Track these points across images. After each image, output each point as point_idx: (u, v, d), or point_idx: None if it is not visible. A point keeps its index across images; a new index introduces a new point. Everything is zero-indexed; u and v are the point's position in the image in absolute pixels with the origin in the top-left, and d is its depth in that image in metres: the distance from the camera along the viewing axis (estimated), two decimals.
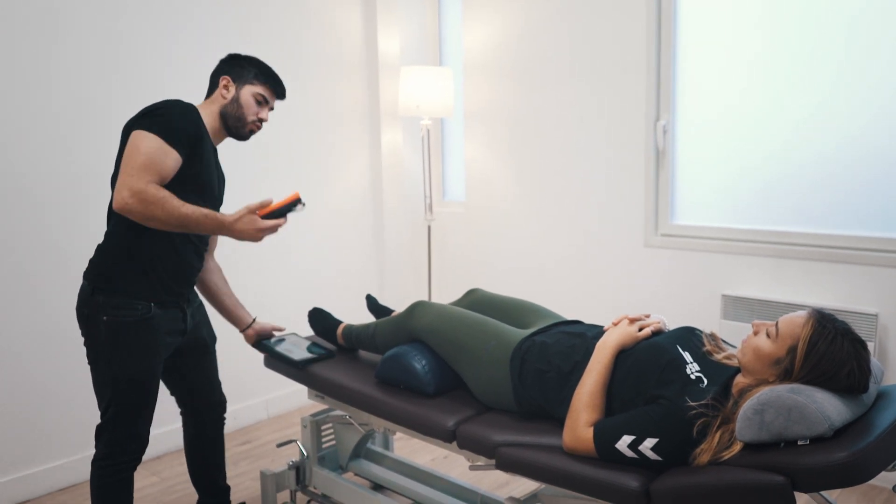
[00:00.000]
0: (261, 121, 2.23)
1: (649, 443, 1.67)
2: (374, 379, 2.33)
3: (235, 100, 2.18)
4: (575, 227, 3.47)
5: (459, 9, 3.84)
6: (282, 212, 2.00)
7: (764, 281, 2.93)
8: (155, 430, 3.11)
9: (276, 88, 2.25)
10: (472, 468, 2.03)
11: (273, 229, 1.99)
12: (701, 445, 1.63)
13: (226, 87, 2.19)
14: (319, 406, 3.02)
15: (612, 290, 3.37)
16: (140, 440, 2.13)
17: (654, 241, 3.22)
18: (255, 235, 1.98)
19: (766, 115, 2.90)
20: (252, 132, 2.24)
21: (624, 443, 1.70)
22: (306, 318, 2.71)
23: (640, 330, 1.94)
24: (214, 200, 2.20)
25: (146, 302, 2.05)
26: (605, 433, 1.74)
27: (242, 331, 2.52)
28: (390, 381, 2.27)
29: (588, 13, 3.30)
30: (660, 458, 1.67)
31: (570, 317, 2.34)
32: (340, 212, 3.88)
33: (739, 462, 1.56)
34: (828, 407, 1.50)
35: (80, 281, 2.90)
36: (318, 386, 2.45)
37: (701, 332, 1.93)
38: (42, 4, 2.75)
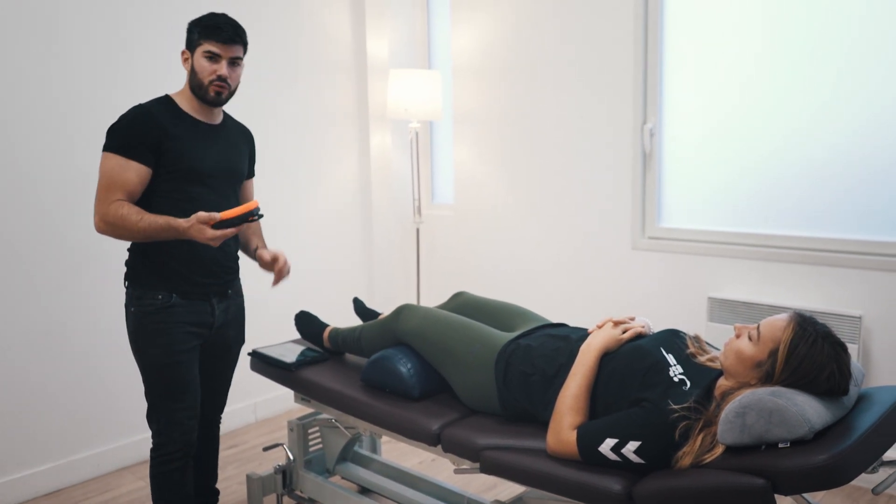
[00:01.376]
0: (221, 78, 2.11)
1: (632, 446, 1.67)
2: (359, 382, 2.33)
3: (192, 68, 2.13)
4: (562, 229, 3.48)
5: (448, 12, 3.84)
6: (235, 221, 1.98)
7: (750, 283, 2.94)
8: (141, 434, 3.13)
9: (219, 36, 2.09)
10: (457, 472, 2.03)
11: (223, 237, 1.99)
12: (683, 448, 1.64)
13: (186, 60, 2.15)
14: (306, 409, 3.01)
15: (599, 293, 3.37)
16: (182, 429, 2.18)
17: (642, 243, 3.23)
18: (208, 242, 2.00)
19: (753, 120, 2.91)
20: (219, 94, 2.14)
21: (607, 446, 1.70)
22: (293, 321, 2.71)
23: (624, 333, 1.95)
24: (212, 180, 2.17)
25: (167, 292, 2.12)
26: (588, 436, 1.74)
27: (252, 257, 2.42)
28: (376, 384, 2.27)
29: (575, 17, 3.31)
30: (643, 461, 1.67)
31: (557, 319, 2.34)
32: (329, 214, 3.88)
33: (721, 465, 1.57)
34: (808, 410, 1.51)
35: (73, 284, 2.91)
36: (303, 389, 2.45)
37: (685, 334, 1.94)
38: (42, 5, 2.74)
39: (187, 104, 2.17)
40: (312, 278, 3.79)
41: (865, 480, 2.63)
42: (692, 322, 3.00)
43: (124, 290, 2.18)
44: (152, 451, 2.20)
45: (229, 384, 2.48)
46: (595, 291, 3.39)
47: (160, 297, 2.12)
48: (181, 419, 2.18)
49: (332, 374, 2.43)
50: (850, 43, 2.66)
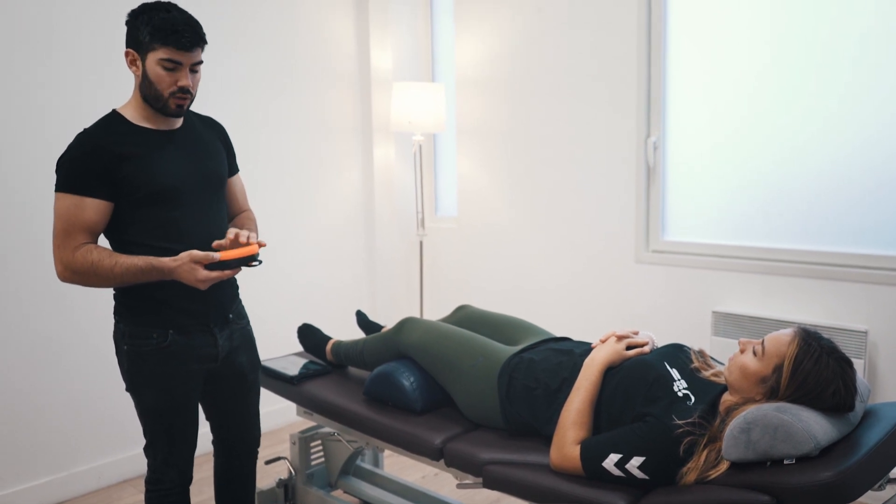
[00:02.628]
0: (183, 90, 1.82)
1: (636, 461, 1.66)
2: (362, 396, 2.32)
3: (145, 75, 1.81)
4: (566, 243, 3.47)
5: (451, 25, 3.86)
6: (232, 264, 1.81)
7: (754, 298, 2.93)
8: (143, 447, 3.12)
9: (179, 42, 1.76)
10: (460, 486, 2.02)
11: (216, 280, 1.81)
12: (688, 464, 1.63)
13: (133, 62, 1.82)
14: (308, 423, 3.00)
15: (603, 307, 3.36)
16: (178, 470, 2.01)
17: (645, 257, 3.22)
18: (198, 285, 1.79)
19: (757, 133, 2.91)
20: (181, 106, 1.85)
21: (611, 461, 1.69)
22: (295, 334, 2.71)
23: (628, 347, 1.94)
24: (187, 196, 1.90)
25: (162, 329, 1.89)
26: (591, 451, 1.73)
27: None
28: (378, 397, 2.26)
29: (579, 29, 3.32)
30: (646, 477, 1.66)
31: (561, 333, 2.33)
32: (332, 226, 3.88)
33: (726, 481, 1.56)
34: (814, 426, 1.50)
35: (66, 298, 2.90)
36: (306, 402, 2.44)
37: (689, 348, 1.94)
38: (38, 12, 2.76)
39: (139, 114, 1.87)
40: (315, 291, 3.79)
41: (872, 497, 2.60)
42: (696, 336, 2.99)
43: (113, 322, 1.97)
44: (148, 482, 2.02)
45: (257, 415, 2.21)
46: (599, 305, 3.38)
47: (154, 335, 1.89)
48: (177, 462, 2.00)
49: (335, 387, 2.42)
50: (856, 55, 2.66)
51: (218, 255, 1.79)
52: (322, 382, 2.46)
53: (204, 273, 1.78)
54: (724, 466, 1.59)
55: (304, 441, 2.65)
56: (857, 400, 1.62)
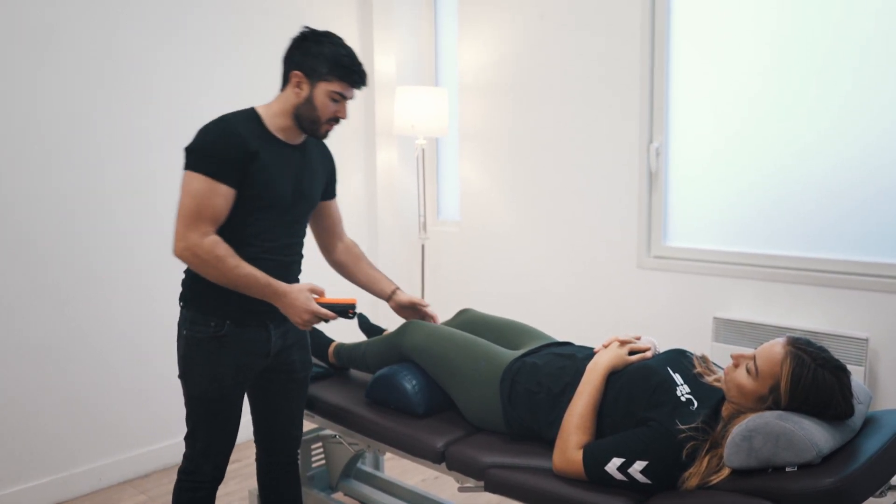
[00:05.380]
0: (337, 119, 2.00)
1: (639, 465, 1.66)
2: (363, 398, 2.32)
3: (309, 100, 1.95)
4: (568, 247, 3.48)
5: (455, 29, 3.87)
6: (334, 308, 1.93)
7: (755, 304, 2.94)
8: (143, 448, 3.12)
9: (353, 80, 1.97)
10: (461, 490, 2.02)
11: (321, 318, 1.92)
12: (690, 469, 1.63)
13: (298, 84, 1.95)
14: (310, 425, 3.01)
15: (605, 311, 3.37)
16: (214, 463, 2.05)
17: (647, 262, 3.22)
18: (303, 315, 1.90)
19: (760, 139, 2.92)
20: (328, 131, 2.02)
21: (613, 465, 1.69)
22: None
23: (631, 352, 1.94)
24: (290, 209, 2.02)
25: (221, 319, 1.96)
26: (594, 455, 1.74)
27: (387, 300, 2.44)
28: (380, 400, 2.26)
29: (582, 35, 3.33)
30: (649, 482, 1.66)
31: (562, 338, 2.34)
32: None
33: (728, 486, 1.56)
34: (815, 434, 1.50)
35: (65, 299, 2.90)
36: (307, 405, 2.44)
37: (692, 354, 1.94)
38: (38, 16, 2.77)
39: (275, 124, 1.98)
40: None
41: None
42: (697, 342, 2.99)
43: (179, 310, 2.04)
44: (181, 472, 2.07)
45: (301, 416, 2.29)
46: (600, 310, 3.38)
47: (213, 323, 1.96)
48: (213, 453, 2.05)
49: (337, 389, 2.43)
50: (857, 61, 2.67)
51: (321, 290, 1.93)
52: (324, 385, 2.47)
53: (316, 306, 1.91)
54: (725, 472, 1.59)
55: (305, 443, 2.65)
56: (855, 402, 1.62)
